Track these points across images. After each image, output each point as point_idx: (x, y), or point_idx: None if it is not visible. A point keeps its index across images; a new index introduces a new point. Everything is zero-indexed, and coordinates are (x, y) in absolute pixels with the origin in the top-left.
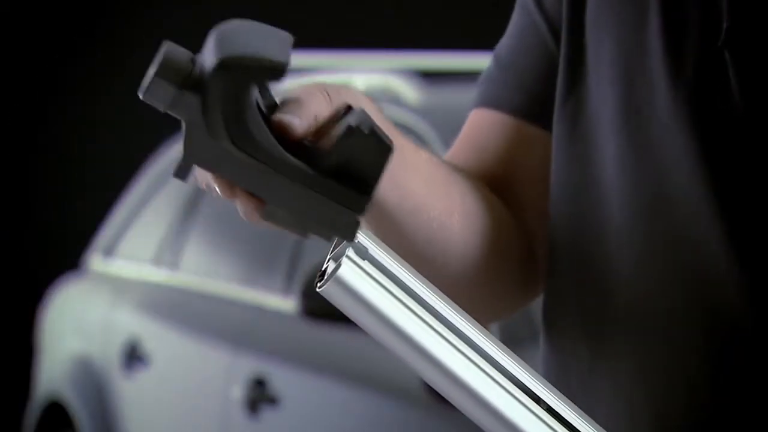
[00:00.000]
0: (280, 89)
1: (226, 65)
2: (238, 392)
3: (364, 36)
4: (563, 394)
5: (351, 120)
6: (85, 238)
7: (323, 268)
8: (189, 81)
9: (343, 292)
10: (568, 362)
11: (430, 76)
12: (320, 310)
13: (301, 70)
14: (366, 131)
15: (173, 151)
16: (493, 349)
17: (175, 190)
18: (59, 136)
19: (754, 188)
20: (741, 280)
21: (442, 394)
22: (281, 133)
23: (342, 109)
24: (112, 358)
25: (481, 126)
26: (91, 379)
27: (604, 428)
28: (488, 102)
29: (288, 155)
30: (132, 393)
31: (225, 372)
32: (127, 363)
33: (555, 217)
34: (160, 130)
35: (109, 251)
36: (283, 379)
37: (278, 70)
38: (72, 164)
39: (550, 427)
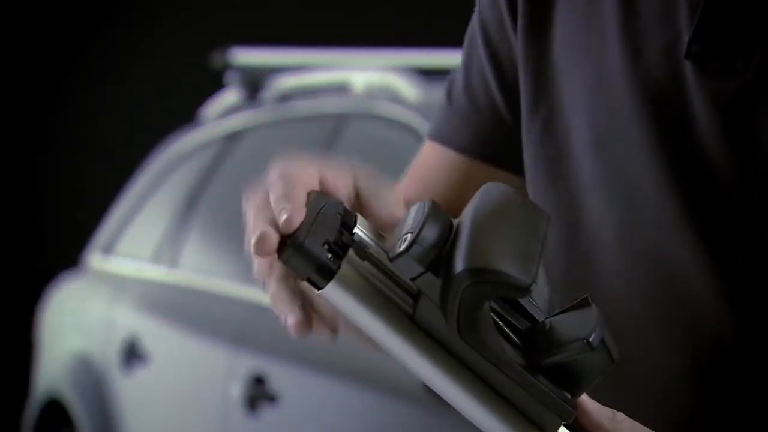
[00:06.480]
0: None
1: (471, 275)
2: (237, 390)
3: (363, 34)
4: None
5: (584, 331)
6: (85, 236)
7: None
8: (436, 262)
9: (343, 294)
10: None
11: (429, 74)
12: None
13: (300, 69)
14: (598, 346)
15: (173, 149)
16: None
17: (174, 188)
18: (59, 136)
19: (725, 203)
20: (718, 293)
21: (443, 397)
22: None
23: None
24: (111, 356)
25: (430, 160)
26: (90, 377)
27: None
28: (436, 136)
29: (508, 352)
30: (131, 391)
31: (224, 370)
32: (127, 361)
33: None
34: (160, 129)
35: (108, 249)
36: (282, 377)
37: (522, 291)
38: (72, 164)
39: None
